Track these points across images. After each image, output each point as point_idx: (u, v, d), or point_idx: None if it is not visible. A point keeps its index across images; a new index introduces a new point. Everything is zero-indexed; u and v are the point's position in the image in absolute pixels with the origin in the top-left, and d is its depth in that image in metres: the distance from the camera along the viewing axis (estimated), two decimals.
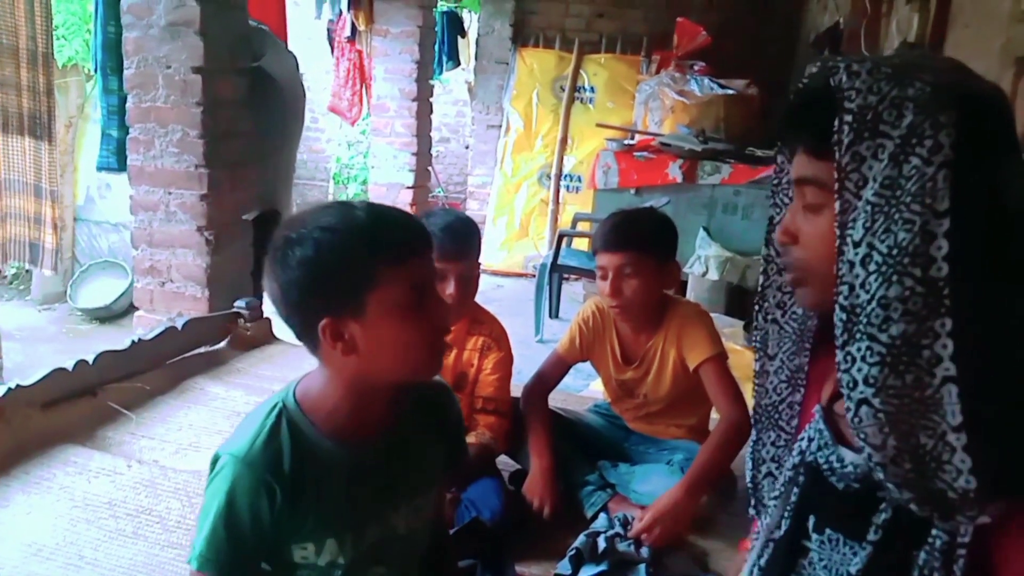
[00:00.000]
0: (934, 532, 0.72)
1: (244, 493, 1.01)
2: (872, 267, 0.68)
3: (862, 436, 0.71)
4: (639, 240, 1.87)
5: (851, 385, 0.70)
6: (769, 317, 0.94)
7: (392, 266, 1.00)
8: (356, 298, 0.99)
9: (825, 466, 0.83)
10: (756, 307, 0.95)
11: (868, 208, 0.69)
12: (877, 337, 0.68)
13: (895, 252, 0.67)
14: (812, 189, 0.79)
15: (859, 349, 0.69)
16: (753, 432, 1.00)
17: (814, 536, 0.85)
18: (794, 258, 0.84)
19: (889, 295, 0.67)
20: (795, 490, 0.88)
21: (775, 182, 0.91)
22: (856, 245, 0.70)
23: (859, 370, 0.69)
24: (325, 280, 0.99)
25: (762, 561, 0.91)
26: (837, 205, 0.72)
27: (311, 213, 1.03)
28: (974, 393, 0.66)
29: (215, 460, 1.05)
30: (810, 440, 0.87)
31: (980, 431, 0.66)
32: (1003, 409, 0.67)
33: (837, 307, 0.71)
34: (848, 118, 0.70)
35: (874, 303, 0.68)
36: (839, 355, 0.72)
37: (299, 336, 1.05)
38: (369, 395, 1.08)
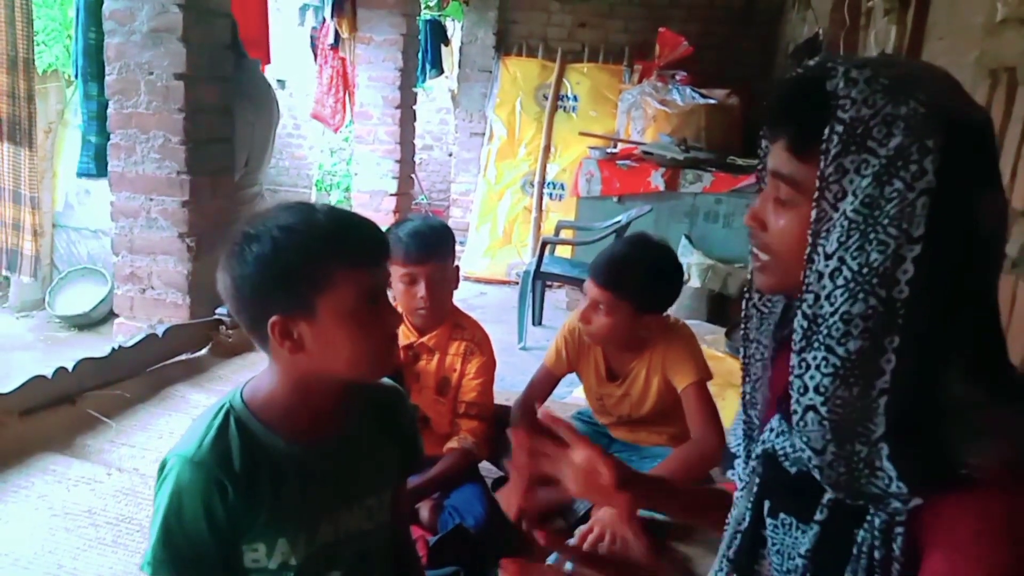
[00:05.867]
0: (872, 511, 0.74)
1: (195, 492, 1.00)
2: (840, 281, 0.70)
3: (805, 440, 0.74)
4: (622, 284, 1.81)
5: (801, 391, 0.73)
6: (751, 303, 0.95)
7: (347, 271, 1.00)
8: (308, 299, 0.99)
9: (781, 452, 0.85)
10: (745, 297, 0.95)
11: (845, 223, 0.70)
12: (834, 350, 0.70)
13: (865, 271, 0.69)
14: (786, 187, 0.79)
15: (815, 358, 0.71)
16: (741, 411, 1.03)
17: (768, 521, 0.87)
18: (760, 242, 0.85)
19: (852, 311, 0.69)
20: (756, 480, 0.90)
21: (759, 166, 0.90)
22: (828, 257, 0.71)
23: (812, 377, 0.72)
24: (279, 279, 0.99)
25: (730, 552, 0.93)
26: (813, 213, 0.73)
27: (273, 211, 1.03)
28: (901, 404, 0.69)
29: (163, 465, 1.03)
30: (771, 430, 0.88)
31: (903, 439, 0.69)
32: (924, 418, 0.69)
33: (800, 314, 0.73)
34: (839, 128, 0.70)
35: (836, 317, 0.70)
36: (794, 359, 0.73)
37: (247, 330, 1.05)
38: (316, 393, 1.08)
